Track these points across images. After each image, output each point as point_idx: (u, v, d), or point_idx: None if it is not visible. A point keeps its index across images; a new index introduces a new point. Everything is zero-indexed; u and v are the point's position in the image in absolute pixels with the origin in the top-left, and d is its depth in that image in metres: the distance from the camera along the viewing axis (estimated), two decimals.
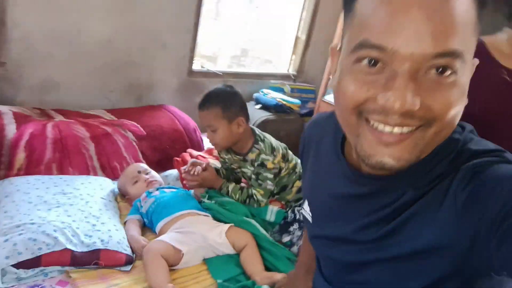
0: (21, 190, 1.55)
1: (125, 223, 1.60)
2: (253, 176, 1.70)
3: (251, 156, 1.70)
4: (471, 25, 0.53)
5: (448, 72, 0.51)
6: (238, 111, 1.68)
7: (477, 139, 0.64)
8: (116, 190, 1.81)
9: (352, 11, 0.56)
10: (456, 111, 0.54)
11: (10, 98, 2.02)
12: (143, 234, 1.57)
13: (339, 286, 0.80)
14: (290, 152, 1.80)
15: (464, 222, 0.55)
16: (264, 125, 2.69)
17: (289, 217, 1.70)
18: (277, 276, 1.39)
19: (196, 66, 2.68)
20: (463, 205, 0.55)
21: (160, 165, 2.05)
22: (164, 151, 2.10)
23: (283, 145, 1.80)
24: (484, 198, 0.53)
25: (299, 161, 1.71)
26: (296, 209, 1.72)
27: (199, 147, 2.22)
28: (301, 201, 1.46)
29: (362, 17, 0.54)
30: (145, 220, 1.62)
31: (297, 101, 2.96)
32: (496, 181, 0.53)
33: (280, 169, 1.72)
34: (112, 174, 1.91)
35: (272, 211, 1.71)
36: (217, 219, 1.61)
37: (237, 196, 1.71)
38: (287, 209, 1.74)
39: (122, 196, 1.80)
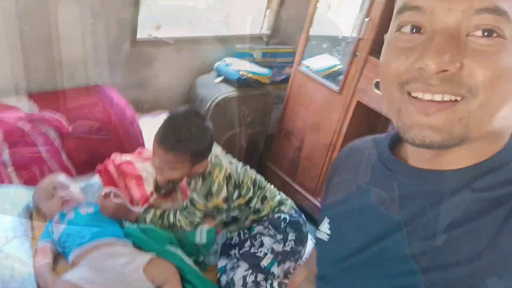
0: None
1: (36, 250, 1.44)
2: (186, 202, 1.50)
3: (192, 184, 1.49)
4: None
5: (494, 34, 0.47)
6: (206, 153, 1.43)
7: None
8: (31, 205, 1.62)
9: None
10: (506, 83, 0.48)
11: None
12: (55, 262, 1.43)
13: None
14: (248, 181, 1.52)
15: None
16: (224, 105, 2.39)
17: (233, 240, 1.56)
18: None
19: (141, 35, 2.34)
20: None
21: (90, 167, 1.85)
22: (93, 150, 1.88)
23: (250, 176, 1.53)
24: None
25: (257, 194, 1.52)
26: (243, 232, 1.56)
27: (137, 143, 2.01)
28: None
29: None
30: (58, 247, 1.46)
31: (265, 71, 2.55)
32: None
33: (219, 209, 1.50)
34: (30, 181, 1.71)
35: (201, 232, 1.56)
36: (138, 247, 1.46)
37: (158, 226, 1.51)
38: (231, 231, 1.58)
39: (37, 211, 1.61)
